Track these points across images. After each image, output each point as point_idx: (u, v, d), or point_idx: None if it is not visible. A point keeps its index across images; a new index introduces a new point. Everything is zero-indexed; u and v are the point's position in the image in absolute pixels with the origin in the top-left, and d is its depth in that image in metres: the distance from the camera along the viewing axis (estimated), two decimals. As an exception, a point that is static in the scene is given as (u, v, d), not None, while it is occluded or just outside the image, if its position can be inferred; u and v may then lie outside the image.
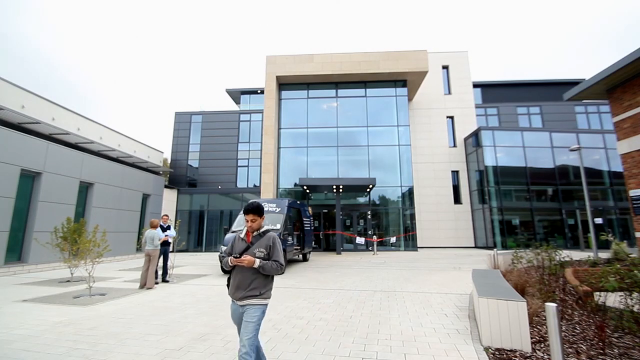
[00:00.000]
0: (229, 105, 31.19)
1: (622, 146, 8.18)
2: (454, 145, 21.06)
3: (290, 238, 10.78)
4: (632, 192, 7.88)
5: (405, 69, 17.93)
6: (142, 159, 19.23)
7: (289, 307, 5.47)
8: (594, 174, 18.28)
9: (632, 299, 3.72)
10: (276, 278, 8.69)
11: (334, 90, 19.34)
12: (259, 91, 26.07)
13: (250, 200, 2.69)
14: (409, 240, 17.50)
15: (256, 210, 2.68)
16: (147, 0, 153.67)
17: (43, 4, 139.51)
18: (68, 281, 8.29)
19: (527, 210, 18.04)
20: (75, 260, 7.78)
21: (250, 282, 2.56)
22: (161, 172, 22.47)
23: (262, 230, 2.73)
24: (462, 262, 12.02)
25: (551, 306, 2.50)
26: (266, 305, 2.63)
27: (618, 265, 4.04)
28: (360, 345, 3.68)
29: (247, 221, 2.68)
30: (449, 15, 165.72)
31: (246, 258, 2.49)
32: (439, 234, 19.54)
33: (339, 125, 18.83)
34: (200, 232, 20.49)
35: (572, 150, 11.68)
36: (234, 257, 2.54)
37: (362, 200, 18.75)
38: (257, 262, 2.52)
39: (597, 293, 4.58)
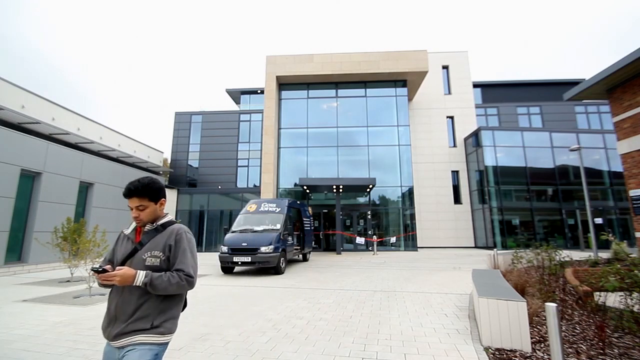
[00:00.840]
0: (229, 105, 31.19)
1: (622, 146, 8.18)
2: (454, 145, 21.05)
3: (290, 238, 10.79)
4: (632, 192, 7.88)
5: (405, 69, 17.92)
6: (142, 159, 19.25)
7: (289, 307, 5.47)
8: (594, 174, 18.28)
9: (632, 299, 3.71)
10: (276, 278, 8.69)
11: (334, 90, 19.33)
12: (259, 91, 26.06)
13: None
14: (409, 240, 17.49)
15: (145, 191, 1.61)
16: (147, 0, 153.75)
17: (43, 4, 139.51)
18: (68, 281, 8.29)
19: (527, 210, 18.04)
20: (75, 260, 7.78)
21: (135, 309, 1.51)
22: (161, 172, 22.48)
23: (160, 222, 1.69)
24: (462, 262, 12.02)
25: (551, 306, 2.50)
26: (164, 344, 1.54)
27: (618, 265, 4.03)
28: (360, 345, 3.67)
29: (132, 209, 1.64)
30: (449, 15, 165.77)
31: (117, 273, 1.45)
32: (439, 234, 19.53)
33: (339, 125, 18.82)
34: (200, 232, 20.48)
35: (572, 150, 11.68)
36: (92, 268, 1.48)
37: (362, 200, 18.75)
38: (141, 276, 1.49)
39: (597, 293, 4.57)
